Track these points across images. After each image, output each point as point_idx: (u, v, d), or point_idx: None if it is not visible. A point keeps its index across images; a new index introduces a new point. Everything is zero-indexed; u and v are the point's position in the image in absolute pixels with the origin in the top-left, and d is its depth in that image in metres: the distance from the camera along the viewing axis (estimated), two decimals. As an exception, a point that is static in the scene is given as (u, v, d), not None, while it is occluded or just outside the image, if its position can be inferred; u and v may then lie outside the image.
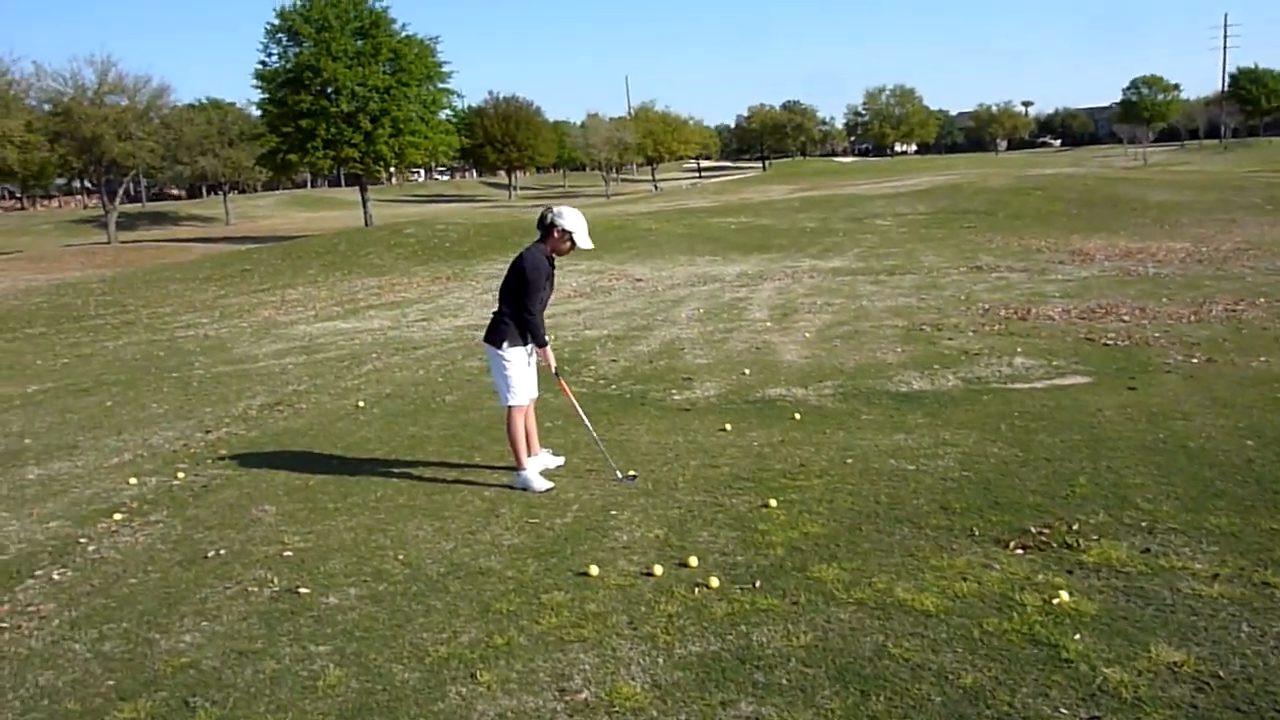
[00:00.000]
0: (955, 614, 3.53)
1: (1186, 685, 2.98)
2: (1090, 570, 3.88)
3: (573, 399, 6.02)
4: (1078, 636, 3.30)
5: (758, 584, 3.94)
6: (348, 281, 19.41)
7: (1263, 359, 8.02)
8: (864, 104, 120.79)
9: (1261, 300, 11.07)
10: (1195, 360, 8.09)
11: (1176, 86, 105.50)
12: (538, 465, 5.78)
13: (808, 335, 10.53)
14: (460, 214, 38.50)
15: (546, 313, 5.78)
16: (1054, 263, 16.56)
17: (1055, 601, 3.55)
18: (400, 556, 4.56)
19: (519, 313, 5.52)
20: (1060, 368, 8.15)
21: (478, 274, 19.35)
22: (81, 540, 5.14)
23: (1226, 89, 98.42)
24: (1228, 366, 7.82)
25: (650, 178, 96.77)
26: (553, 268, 5.66)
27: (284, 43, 37.17)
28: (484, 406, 7.93)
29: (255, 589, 4.27)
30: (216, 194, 67.70)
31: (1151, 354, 8.48)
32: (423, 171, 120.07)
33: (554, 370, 5.77)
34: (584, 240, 5.54)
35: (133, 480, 6.27)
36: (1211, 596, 3.58)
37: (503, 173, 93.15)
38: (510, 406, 5.59)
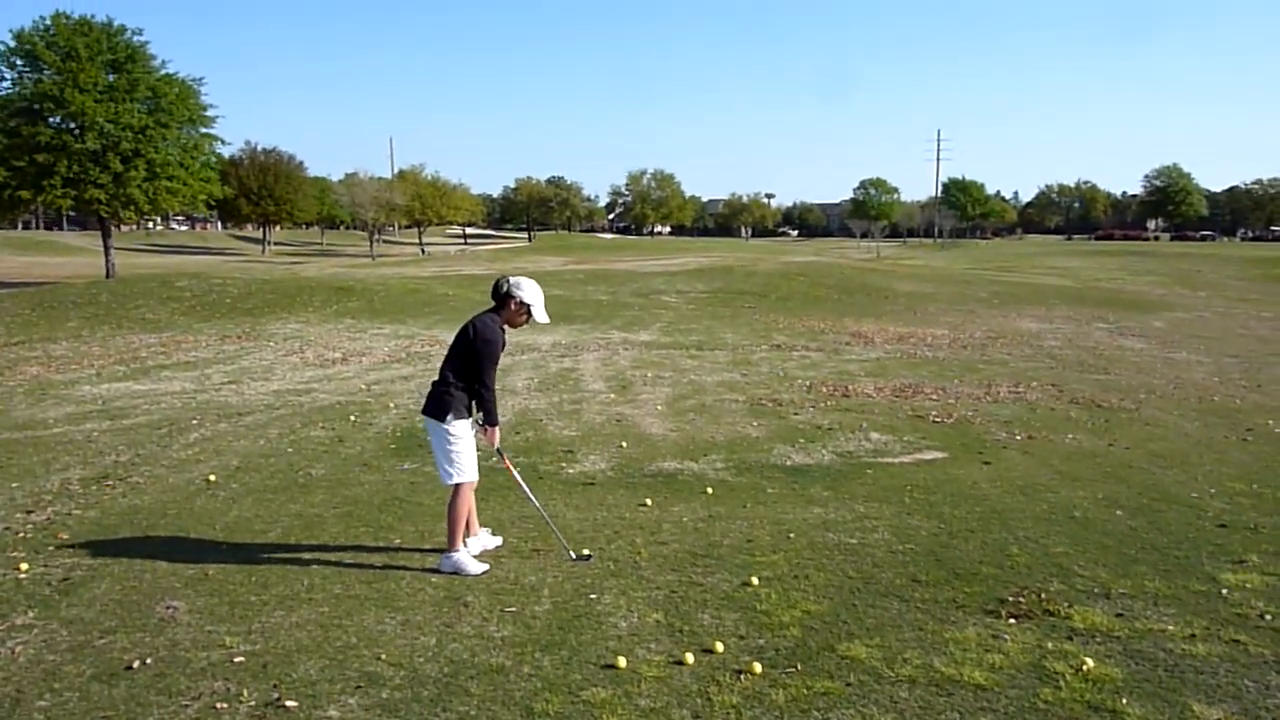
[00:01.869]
0: (1008, 686, 3.67)
1: (1246, 742, 3.28)
2: (1087, 636, 4.18)
3: (518, 477, 5.71)
4: (1125, 701, 3.54)
5: (799, 666, 3.88)
6: (121, 337, 17.24)
7: (1070, 436, 9.11)
8: (626, 185, 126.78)
9: (1035, 384, 12.60)
10: (1019, 438, 9.04)
11: (896, 189, 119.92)
12: (476, 546, 5.40)
13: (659, 408, 10.68)
14: (229, 269, 35.62)
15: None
16: (841, 344, 17.91)
17: (1084, 669, 3.79)
18: (382, 656, 4.04)
19: (470, 386, 5.16)
20: (913, 443, 8.81)
21: (273, 335, 17.91)
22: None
23: (940, 195, 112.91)
24: (1047, 444, 8.80)
25: (416, 241, 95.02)
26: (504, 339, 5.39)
27: (20, 68, 33.10)
28: (362, 482, 7.32)
29: (224, 705, 3.61)
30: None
31: (979, 431, 9.37)
32: (159, 219, 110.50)
33: (497, 448, 5.46)
34: (541, 314, 5.31)
35: (-41, 576, 5.16)
36: (1202, 656, 3.97)
37: (251, 226, 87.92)
38: (457, 485, 5.19)
